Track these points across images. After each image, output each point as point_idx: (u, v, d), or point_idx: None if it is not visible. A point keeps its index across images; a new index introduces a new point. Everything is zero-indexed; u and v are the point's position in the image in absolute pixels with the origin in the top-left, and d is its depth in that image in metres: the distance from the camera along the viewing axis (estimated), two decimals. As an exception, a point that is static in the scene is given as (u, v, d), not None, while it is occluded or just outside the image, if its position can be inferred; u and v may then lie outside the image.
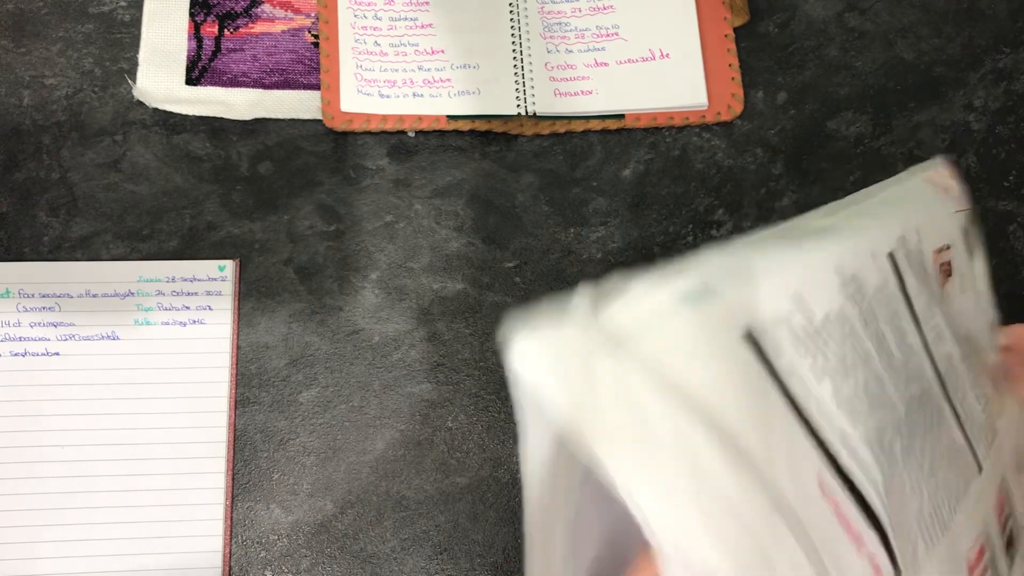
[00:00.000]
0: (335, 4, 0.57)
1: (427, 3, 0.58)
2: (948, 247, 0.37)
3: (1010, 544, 0.36)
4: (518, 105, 0.56)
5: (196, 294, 0.52)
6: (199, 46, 0.56)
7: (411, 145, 0.56)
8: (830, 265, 0.31)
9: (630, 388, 0.23)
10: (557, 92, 0.57)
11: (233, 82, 0.56)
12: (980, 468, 0.34)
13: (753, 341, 0.27)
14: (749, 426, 0.25)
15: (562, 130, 0.57)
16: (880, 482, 0.30)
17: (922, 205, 0.37)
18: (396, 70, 0.56)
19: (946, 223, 0.37)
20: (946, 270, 0.36)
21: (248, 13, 0.58)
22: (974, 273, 0.38)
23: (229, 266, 0.53)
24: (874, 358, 0.31)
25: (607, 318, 0.23)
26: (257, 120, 0.56)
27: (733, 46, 0.59)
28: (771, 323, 0.28)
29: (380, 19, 0.57)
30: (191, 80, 0.56)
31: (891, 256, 0.33)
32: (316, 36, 0.57)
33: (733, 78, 0.58)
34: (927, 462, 0.32)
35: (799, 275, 0.30)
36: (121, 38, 0.57)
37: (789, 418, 0.27)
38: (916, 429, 0.32)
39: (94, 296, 0.52)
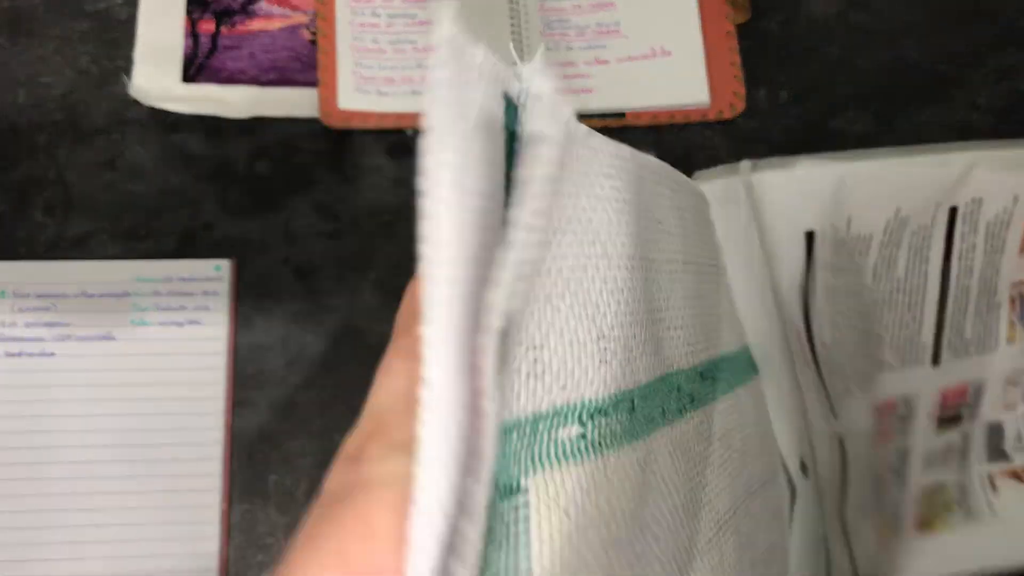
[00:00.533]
0: (333, 1, 0.57)
1: None
2: None
3: (953, 419, 0.49)
4: (518, 103, 0.56)
5: (193, 294, 0.52)
6: (196, 44, 0.56)
7: (410, 144, 0.56)
8: (893, 205, 0.47)
9: None
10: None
11: (230, 80, 0.55)
12: (937, 361, 0.48)
13: (810, 236, 0.46)
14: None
15: (562, 128, 0.56)
16: (829, 338, 0.44)
17: None
18: (395, 68, 0.56)
19: None
20: None
21: (245, 10, 0.57)
22: None
23: (226, 266, 0.52)
24: (868, 266, 0.47)
25: None
26: (254, 118, 0.55)
27: (735, 44, 0.59)
28: (828, 228, 0.45)
29: (379, 16, 0.57)
30: (188, 78, 0.55)
31: (953, 209, 0.49)
32: (314, 34, 0.57)
33: (735, 76, 0.58)
34: (886, 338, 0.47)
35: (860, 203, 0.46)
36: (117, 36, 0.56)
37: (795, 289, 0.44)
38: (886, 315, 0.47)
39: (90, 296, 0.51)
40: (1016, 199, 0.50)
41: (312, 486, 0.50)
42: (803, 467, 0.43)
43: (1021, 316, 0.50)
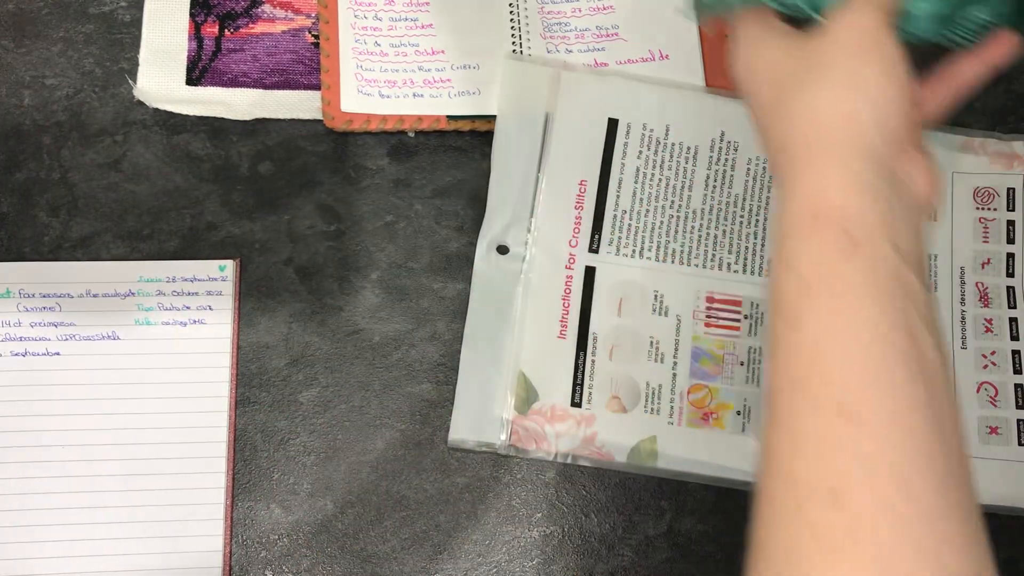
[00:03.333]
0: (335, 5, 0.57)
1: (427, 4, 0.58)
2: None
3: None
4: (518, 105, 0.56)
5: (196, 294, 0.52)
6: (199, 46, 0.57)
7: (411, 145, 0.56)
8: (717, 128, 0.56)
9: None
10: (557, 92, 0.57)
11: (233, 82, 0.56)
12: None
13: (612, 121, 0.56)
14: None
15: (562, 130, 0.57)
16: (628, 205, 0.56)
17: None
18: (396, 70, 0.56)
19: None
20: None
21: (248, 13, 0.58)
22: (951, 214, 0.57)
23: (229, 266, 0.53)
24: (700, 175, 0.56)
25: None
26: (257, 120, 0.56)
27: (733, 46, 0.59)
28: (634, 123, 0.56)
29: (380, 19, 0.57)
30: (191, 80, 0.56)
31: None
32: (316, 36, 0.57)
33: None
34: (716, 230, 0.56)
35: (682, 116, 0.57)
36: (121, 38, 0.57)
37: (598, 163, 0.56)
38: (723, 222, 0.56)
39: (94, 296, 0.52)
40: None
41: (314, 484, 0.50)
42: None
43: None
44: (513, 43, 0.58)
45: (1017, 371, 0.54)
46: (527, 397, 0.51)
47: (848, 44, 0.34)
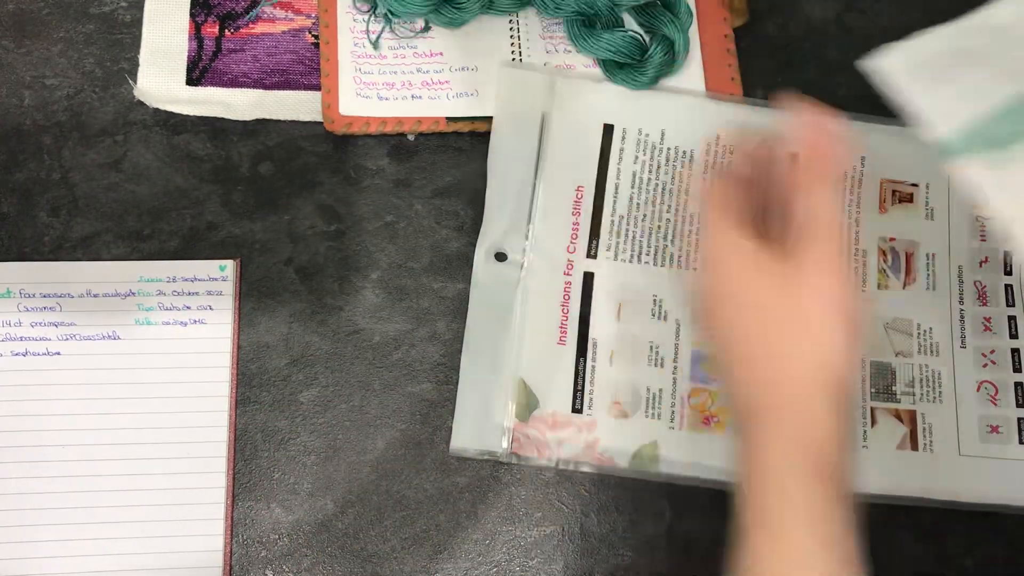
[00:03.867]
0: (335, 9, 0.57)
1: (427, 4, 0.58)
2: (916, 184, 0.57)
3: None
4: (518, 105, 0.56)
5: (197, 294, 0.52)
6: (200, 46, 0.57)
7: (411, 146, 0.56)
8: (712, 131, 0.56)
9: None
10: (557, 93, 0.57)
11: (234, 82, 0.56)
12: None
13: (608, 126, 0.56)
14: None
15: (562, 130, 0.57)
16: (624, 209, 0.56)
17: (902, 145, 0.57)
18: (395, 72, 0.56)
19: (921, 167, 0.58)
20: (900, 196, 0.57)
21: (249, 14, 0.58)
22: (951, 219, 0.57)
23: (230, 266, 0.53)
24: (687, 177, 0.56)
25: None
26: (258, 120, 0.56)
27: (732, 47, 0.59)
28: (630, 128, 0.56)
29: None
30: (192, 80, 0.56)
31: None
32: (316, 37, 0.57)
33: (732, 79, 0.58)
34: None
35: (677, 120, 0.57)
36: (122, 38, 0.57)
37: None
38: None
39: (95, 296, 0.52)
40: (863, 160, 0.57)
41: (315, 483, 0.50)
42: None
43: (893, 267, 0.56)
44: (512, 44, 0.58)
45: (1017, 369, 0.54)
46: (528, 404, 0.51)
47: (823, 297, 0.39)
